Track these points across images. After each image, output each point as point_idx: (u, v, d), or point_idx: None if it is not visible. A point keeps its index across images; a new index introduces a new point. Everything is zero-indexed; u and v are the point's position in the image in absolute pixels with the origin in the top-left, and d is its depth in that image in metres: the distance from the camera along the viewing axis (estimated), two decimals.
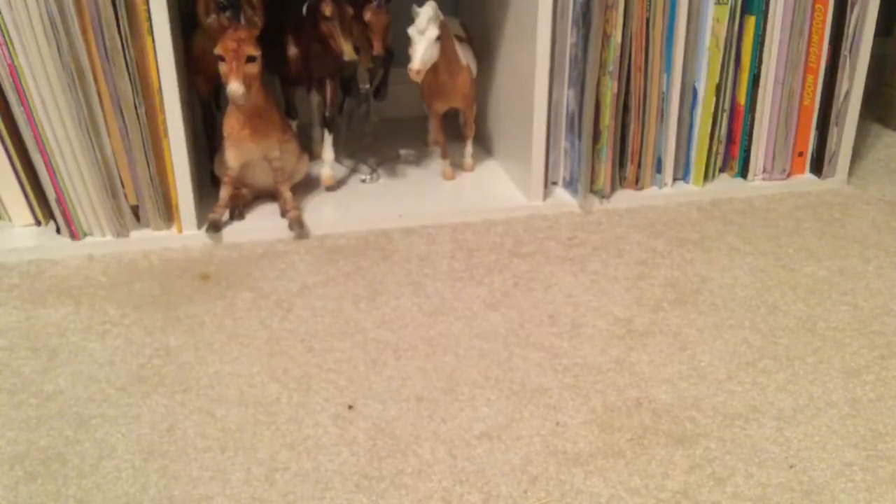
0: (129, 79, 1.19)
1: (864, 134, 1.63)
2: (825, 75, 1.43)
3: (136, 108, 1.21)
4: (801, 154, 1.49)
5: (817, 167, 1.49)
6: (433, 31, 1.27)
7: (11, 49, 1.15)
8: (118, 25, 1.17)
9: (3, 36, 1.14)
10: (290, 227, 1.30)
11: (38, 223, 1.30)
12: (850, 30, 1.40)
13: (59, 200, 1.24)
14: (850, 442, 0.89)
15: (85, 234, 1.27)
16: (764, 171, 1.48)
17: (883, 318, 1.11)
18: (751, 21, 1.37)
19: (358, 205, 1.39)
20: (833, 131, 1.46)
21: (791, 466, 0.85)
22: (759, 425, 0.91)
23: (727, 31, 1.36)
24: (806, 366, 1.01)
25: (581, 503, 0.81)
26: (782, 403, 0.94)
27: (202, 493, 0.82)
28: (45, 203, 1.26)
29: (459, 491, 0.82)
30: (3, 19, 1.13)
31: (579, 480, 0.83)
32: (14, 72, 1.16)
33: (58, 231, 1.27)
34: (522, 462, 0.86)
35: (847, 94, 1.44)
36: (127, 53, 1.18)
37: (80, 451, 0.87)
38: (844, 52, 1.41)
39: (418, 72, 1.26)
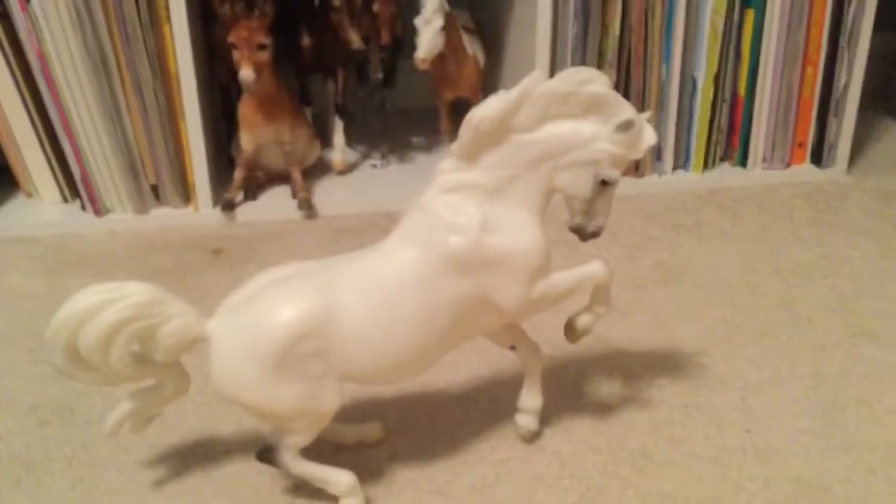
0: (149, 65, 1.27)
1: (872, 126, 1.64)
2: (824, 67, 1.46)
3: (155, 93, 1.29)
4: (801, 144, 1.51)
5: (818, 157, 1.52)
6: (438, 21, 1.32)
7: (40, 37, 1.23)
8: (139, 15, 1.25)
9: (33, 25, 1.23)
10: (300, 207, 1.37)
11: (65, 200, 1.39)
12: (848, 22, 1.42)
13: (83, 179, 1.32)
14: (810, 412, 0.93)
15: (107, 211, 1.35)
16: (764, 160, 1.51)
17: (861, 299, 1.14)
18: (750, 13, 1.40)
19: (367, 188, 1.46)
20: (832, 122, 1.49)
21: (747, 431, 0.90)
22: (723, 395, 0.95)
23: (726, 22, 1.39)
24: (777, 342, 1.05)
25: (544, 458, 0.86)
26: (749, 375, 0.99)
27: (197, 438, 0.89)
28: (71, 181, 1.35)
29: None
30: (32, 9, 1.22)
31: (545, 438, 0.89)
32: (43, 59, 1.25)
33: (82, 207, 1.35)
34: (492, 420, 0.91)
35: (846, 85, 1.46)
36: (147, 41, 1.26)
37: (89, 403, 0.95)
38: (843, 44, 1.43)
39: (423, 60, 1.32)
